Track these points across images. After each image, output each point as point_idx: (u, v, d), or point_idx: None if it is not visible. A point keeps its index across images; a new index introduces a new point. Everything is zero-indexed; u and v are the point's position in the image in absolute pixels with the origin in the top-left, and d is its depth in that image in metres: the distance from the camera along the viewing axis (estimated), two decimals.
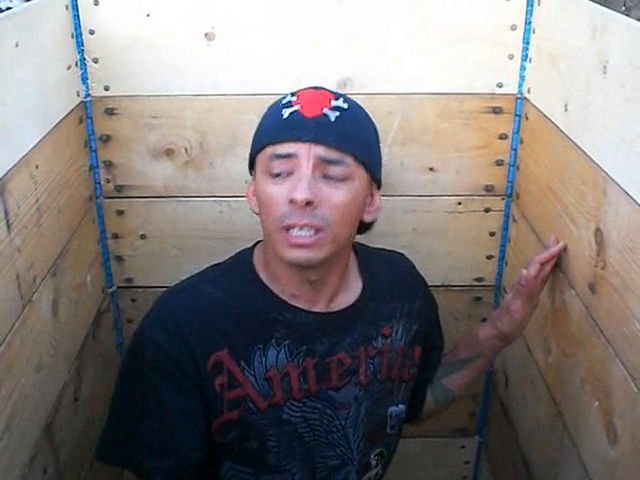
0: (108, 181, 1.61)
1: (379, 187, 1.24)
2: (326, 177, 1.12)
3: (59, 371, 1.37)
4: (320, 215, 1.11)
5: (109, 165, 1.60)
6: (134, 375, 1.22)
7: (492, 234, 1.69)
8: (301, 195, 1.08)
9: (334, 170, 1.11)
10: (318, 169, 1.11)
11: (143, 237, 1.67)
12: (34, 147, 1.23)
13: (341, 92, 1.22)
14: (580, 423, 1.26)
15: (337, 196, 1.12)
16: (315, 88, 1.20)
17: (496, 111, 1.57)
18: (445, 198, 1.65)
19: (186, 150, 1.59)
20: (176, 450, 1.20)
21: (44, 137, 1.28)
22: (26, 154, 1.19)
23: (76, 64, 1.49)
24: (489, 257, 1.72)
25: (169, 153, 1.59)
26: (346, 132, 1.13)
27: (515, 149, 1.60)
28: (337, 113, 1.13)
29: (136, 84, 1.53)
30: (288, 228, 1.11)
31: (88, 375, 1.53)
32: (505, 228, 1.68)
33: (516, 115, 1.57)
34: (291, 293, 1.22)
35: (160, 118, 1.56)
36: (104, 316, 1.67)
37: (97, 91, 1.53)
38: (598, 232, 1.16)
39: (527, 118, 1.54)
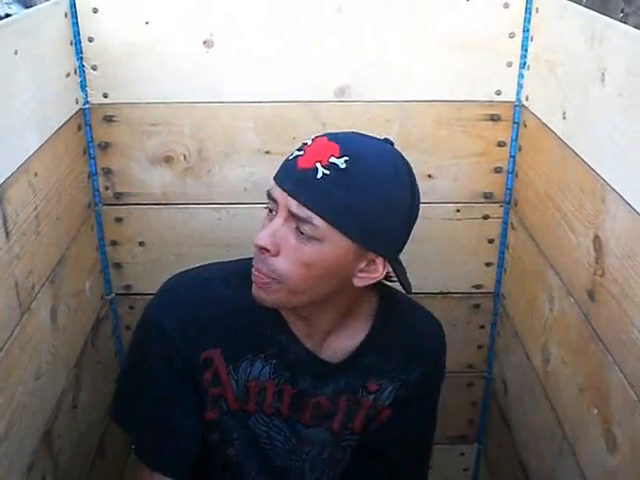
0: (107, 188, 1.61)
1: (390, 255, 1.14)
2: (296, 231, 1.07)
3: (58, 378, 1.36)
4: (273, 265, 1.08)
5: (108, 172, 1.60)
6: (139, 358, 1.26)
7: (491, 241, 1.69)
8: (258, 241, 1.08)
9: (302, 227, 1.06)
10: (290, 221, 1.08)
11: (142, 244, 1.67)
12: (33, 154, 1.23)
13: (382, 137, 1.16)
14: (579, 430, 1.26)
15: (300, 252, 1.08)
16: (330, 137, 1.10)
17: (494, 118, 1.57)
18: (443, 205, 1.65)
19: (185, 157, 1.59)
20: (175, 436, 1.23)
21: (43, 144, 1.28)
22: (25, 161, 1.19)
23: (75, 71, 1.49)
24: (488, 264, 1.72)
25: (168, 160, 1.59)
26: (325, 193, 1.05)
27: (513, 156, 1.60)
28: (327, 171, 1.05)
29: (135, 91, 1.53)
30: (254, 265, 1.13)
31: (87, 382, 1.53)
32: (504, 235, 1.68)
33: (514, 122, 1.57)
34: (290, 319, 1.22)
35: (159, 125, 1.56)
36: (103, 323, 1.67)
37: (96, 98, 1.53)
38: (597, 240, 1.16)
39: (525, 125, 1.54)
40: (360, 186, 1.06)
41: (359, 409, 1.28)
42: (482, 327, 1.79)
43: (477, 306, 1.76)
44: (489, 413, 1.88)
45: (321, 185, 1.05)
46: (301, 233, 1.07)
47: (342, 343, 1.25)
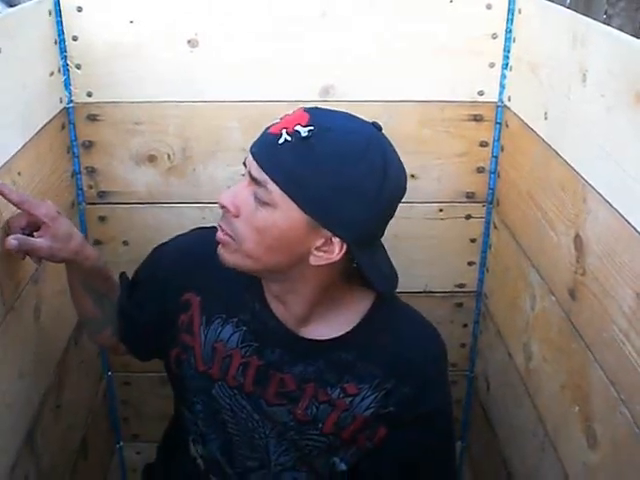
0: (90, 187, 1.61)
1: (351, 239, 1.09)
2: (255, 194, 1.08)
3: (41, 378, 1.36)
4: (232, 225, 1.11)
5: (91, 171, 1.60)
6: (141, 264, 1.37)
7: (473, 241, 1.70)
8: (220, 199, 1.11)
9: (258, 191, 1.07)
10: (252, 185, 1.08)
11: (126, 243, 1.66)
12: (16, 153, 1.22)
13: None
14: (560, 428, 1.27)
15: (255, 217, 1.08)
16: (314, 109, 1.09)
17: (477, 119, 1.58)
18: (426, 205, 1.66)
19: (169, 156, 1.59)
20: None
21: (26, 143, 1.28)
22: (8, 161, 1.19)
23: (59, 70, 1.49)
24: (470, 263, 1.73)
25: (152, 159, 1.59)
26: (281, 159, 1.05)
27: (496, 156, 1.61)
28: (289, 138, 1.04)
29: (119, 90, 1.53)
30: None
31: (70, 382, 1.52)
32: (486, 235, 1.69)
33: (497, 123, 1.58)
34: (269, 297, 1.23)
35: (143, 124, 1.56)
36: None
37: (80, 97, 1.53)
38: (578, 239, 1.18)
39: (507, 126, 1.55)
40: (317, 157, 1.04)
41: (332, 409, 1.22)
42: (465, 326, 1.80)
43: (460, 305, 1.78)
44: (472, 411, 1.89)
45: (280, 151, 1.05)
46: (257, 197, 1.07)
47: (321, 331, 1.22)
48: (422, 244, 1.69)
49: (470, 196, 1.66)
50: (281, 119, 1.09)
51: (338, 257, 1.09)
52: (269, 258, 1.12)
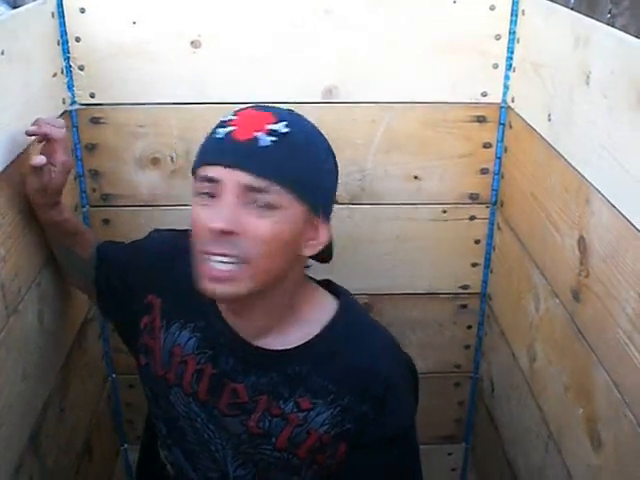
0: (94, 190, 1.61)
1: (328, 217, 1.14)
2: (251, 205, 1.04)
3: (45, 380, 1.36)
4: (240, 246, 1.04)
5: (95, 174, 1.60)
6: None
7: (477, 242, 1.70)
8: (217, 224, 1.03)
9: (259, 198, 1.04)
10: (243, 196, 1.04)
11: None
12: (19, 156, 1.22)
13: (285, 110, 1.14)
14: (564, 429, 1.27)
15: (262, 227, 1.04)
16: (258, 107, 1.12)
17: (480, 120, 1.58)
18: (430, 206, 1.66)
19: (172, 159, 1.59)
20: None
21: (30, 145, 1.28)
22: (11, 163, 1.19)
23: (62, 71, 1.49)
24: (474, 265, 1.73)
25: (155, 162, 1.59)
26: (276, 159, 1.04)
27: (499, 157, 1.61)
28: (272, 138, 1.04)
29: (122, 92, 1.53)
30: (207, 253, 1.06)
31: (74, 384, 1.52)
32: (490, 236, 1.69)
33: (500, 124, 1.58)
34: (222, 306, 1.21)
35: (146, 127, 1.56)
36: (90, 325, 1.66)
37: (83, 98, 1.53)
38: (581, 240, 1.17)
39: (511, 127, 1.55)
40: (303, 148, 1.08)
41: (285, 423, 1.17)
42: (469, 327, 1.80)
43: (464, 306, 1.77)
44: (476, 413, 1.88)
45: (268, 152, 1.04)
46: (259, 205, 1.04)
47: (276, 342, 1.18)
48: (426, 245, 1.69)
49: (474, 197, 1.65)
50: (231, 125, 1.07)
51: (325, 238, 1.13)
52: (275, 270, 1.09)
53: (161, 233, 1.35)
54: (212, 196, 1.06)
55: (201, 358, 1.21)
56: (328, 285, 1.26)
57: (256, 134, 1.04)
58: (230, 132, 1.06)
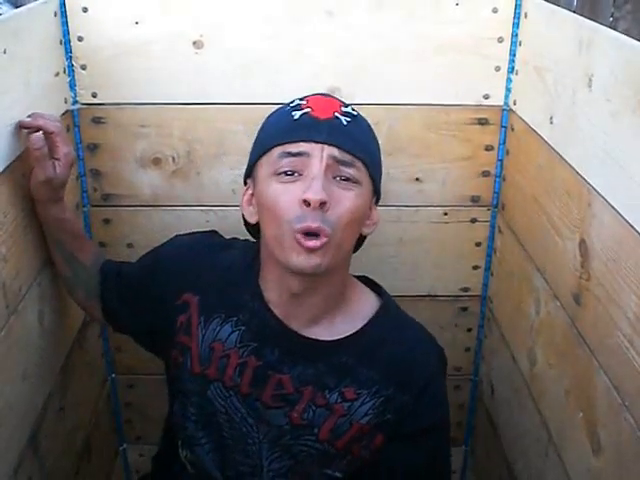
0: (95, 189, 1.61)
1: (377, 201, 1.24)
2: (337, 179, 1.11)
3: (45, 380, 1.36)
4: (329, 219, 1.08)
5: (96, 173, 1.60)
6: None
7: (478, 244, 1.70)
8: (316, 195, 1.06)
9: (346, 171, 1.11)
10: (330, 170, 1.10)
11: (130, 246, 1.66)
12: (21, 155, 1.22)
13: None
14: (564, 433, 1.26)
15: (347, 199, 1.11)
16: (321, 94, 1.23)
17: (482, 122, 1.58)
18: (431, 208, 1.66)
19: (173, 159, 1.59)
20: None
21: None
22: (12, 162, 1.19)
23: (64, 71, 1.49)
24: (475, 267, 1.72)
25: (156, 162, 1.59)
26: (356, 137, 1.15)
27: (501, 160, 1.61)
28: (348, 118, 1.15)
29: (124, 92, 1.53)
30: (303, 232, 1.08)
31: (74, 384, 1.52)
32: (491, 239, 1.69)
33: (502, 127, 1.58)
34: (274, 301, 1.22)
35: (148, 127, 1.56)
36: (90, 325, 1.66)
37: (85, 98, 1.53)
38: (583, 244, 1.17)
39: (513, 130, 1.55)
40: (368, 130, 1.21)
41: (329, 413, 1.20)
42: (469, 330, 1.79)
43: (464, 309, 1.77)
44: (476, 415, 1.88)
45: (350, 130, 1.14)
46: (341, 180, 1.11)
47: (324, 332, 1.22)
48: (427, 248, 1.69)
49: (475, 200, 1.65)
50: (306, 108, 1.14)
51: (377, 219, 1.23)
52: (349, 244, 1.17)
53: (184, 236, 1.37)
54: (292, 173, 1.11)
55: (244, 351, 1.22)
56: (365, 280, 1.32)
57: (336, 114, 1.13)
58: (307, 113, 1.13)
